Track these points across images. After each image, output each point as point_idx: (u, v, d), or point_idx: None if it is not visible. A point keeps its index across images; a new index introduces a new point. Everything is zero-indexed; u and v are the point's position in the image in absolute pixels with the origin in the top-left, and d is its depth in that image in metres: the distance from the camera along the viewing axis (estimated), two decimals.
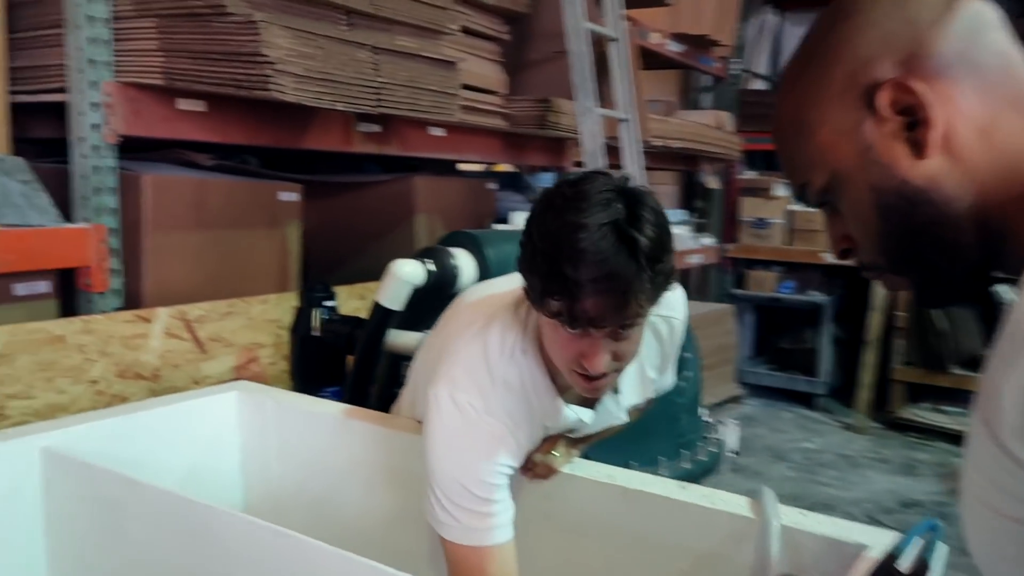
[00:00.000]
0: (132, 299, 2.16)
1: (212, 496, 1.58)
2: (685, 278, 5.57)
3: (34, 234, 1.91)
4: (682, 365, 2.27)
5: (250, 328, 2.31)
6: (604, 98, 3.28)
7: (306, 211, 3.06)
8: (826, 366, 5.07)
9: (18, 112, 2.18)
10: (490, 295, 1.32)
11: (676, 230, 4.32)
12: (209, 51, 1.91)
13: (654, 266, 0.99)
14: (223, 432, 1.62)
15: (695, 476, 2.14)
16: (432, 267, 1.94)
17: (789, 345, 5.30)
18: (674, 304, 1.28)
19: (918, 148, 0.71)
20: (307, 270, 3.05)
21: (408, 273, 1.89)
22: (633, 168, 3.14)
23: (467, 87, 2.87)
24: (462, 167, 3.91)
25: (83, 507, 1.28)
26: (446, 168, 3.57)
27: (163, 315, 2.11)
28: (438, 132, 2.94)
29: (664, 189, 5.52)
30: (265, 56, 1.84)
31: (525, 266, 1.04)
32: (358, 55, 2.10)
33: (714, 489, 1.23)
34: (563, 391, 1.20)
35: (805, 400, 5.11)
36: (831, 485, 3.90)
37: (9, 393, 1.82)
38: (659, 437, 2.09)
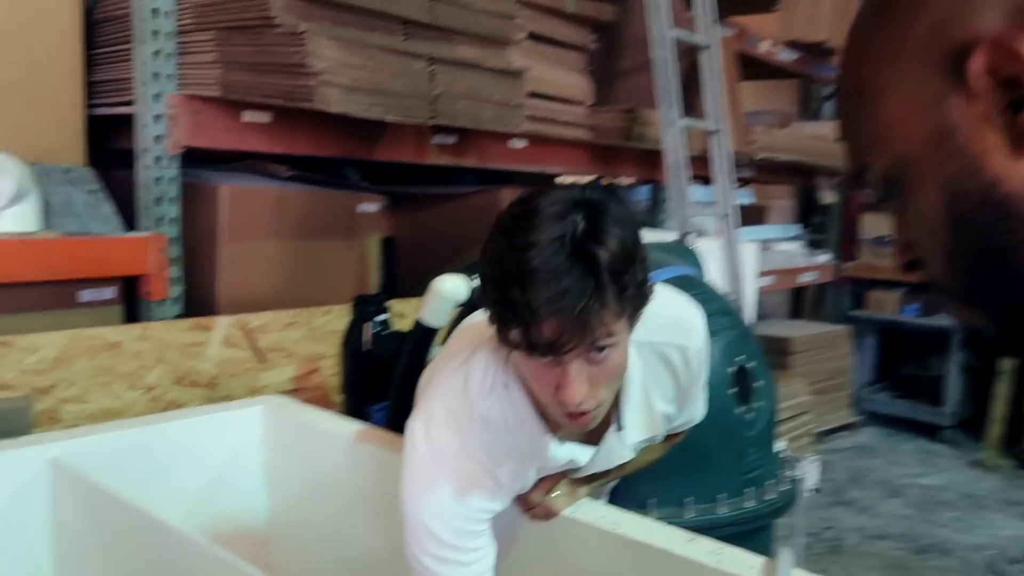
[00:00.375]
0: (205, 307, 2.19)
1: (234, 509, 1.56)
2: (798, 297, 5.28)
3: (94, 243, 1.96)
4: (752, 395, 2.11)
5: (312, 339, 2.30)
6: (698, 108, 3.13)
7: (396, 222, 3.05)
8: (954, 396, 4.69)
9: (105, 123, 2.26)
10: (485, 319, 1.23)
11: (787, 246, 4.05)
12: (260, 63, 1.92)
13: (618, 279, 0.89)
14: (248, 446, 1.60)
15: (761, 515, 1.97)
16: (477, 283, 1.87)
17: (913, 372, 4.93)
18: (690, 331, 1.15)
19: (1019, 139, 0.51)
20: (396, 281, 3.03)
21: (450, 289, 1.82)
22: (722, 181, 2.97)
23: (547, 97, 2.79)
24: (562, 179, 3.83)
25: (85, 522, 1.28)
26: (544, 181, 3.49)
27: (223, 324, 2.12)
28: (519, 144, 2.86)
29: (780, 204, 5.27)
30: (311, 67, 1.83)
31: (481, 298, 0.95)
32: (413, 66, 2.06)
33: (725, 545, 1.10)
34: (557, 428, 1.10)
35: (929, 432, 4.75)
36: (949, 527, 3.58)
37: (64, 397, 1.87)
38: (720, 472, 1.93)
